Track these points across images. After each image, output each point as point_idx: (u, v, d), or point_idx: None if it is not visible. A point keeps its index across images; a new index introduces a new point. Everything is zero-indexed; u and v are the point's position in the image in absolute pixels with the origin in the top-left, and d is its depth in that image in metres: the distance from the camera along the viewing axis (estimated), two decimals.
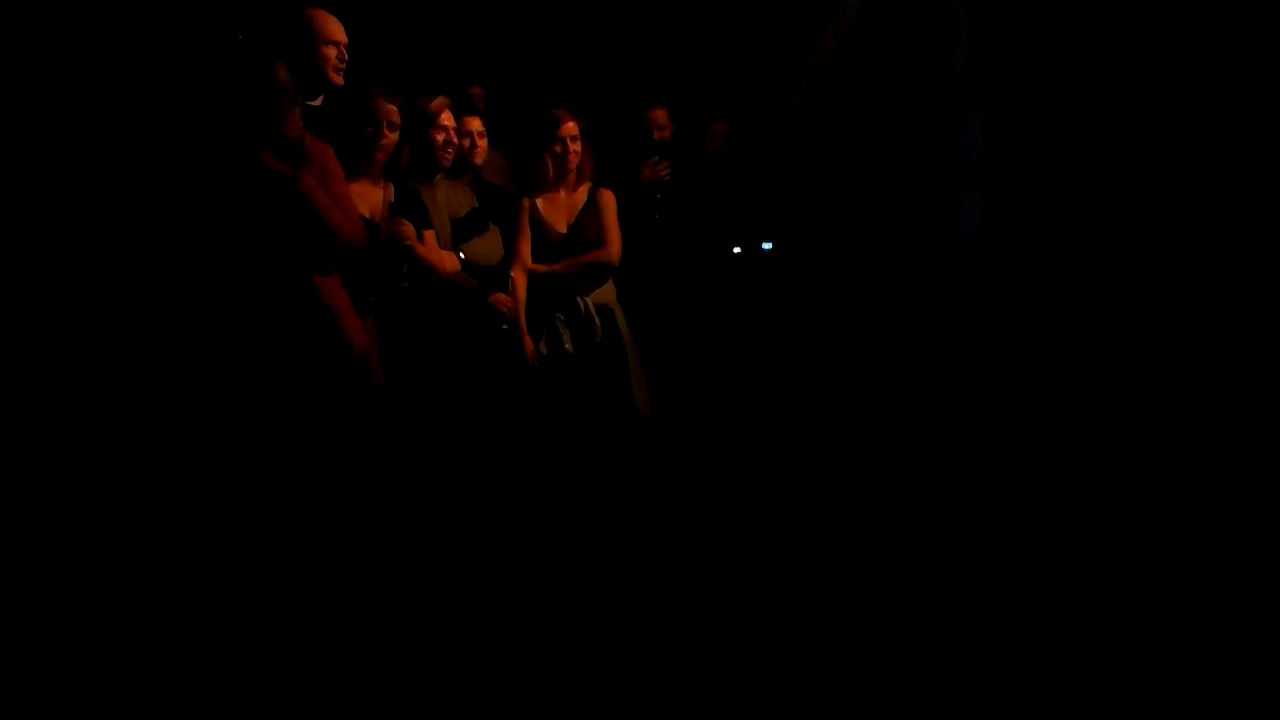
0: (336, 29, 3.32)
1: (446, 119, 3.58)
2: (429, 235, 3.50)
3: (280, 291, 3.00)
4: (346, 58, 3.32)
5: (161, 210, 2.93)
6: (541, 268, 3.93)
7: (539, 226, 3.96)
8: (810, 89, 3.24)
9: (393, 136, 3.33)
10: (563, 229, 3.97)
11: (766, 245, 4.34)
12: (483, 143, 3.83)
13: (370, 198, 3.33)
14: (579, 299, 3.94)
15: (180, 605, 2.76)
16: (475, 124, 3.80)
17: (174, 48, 3.11)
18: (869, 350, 3.18)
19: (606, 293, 4.02)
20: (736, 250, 4.39)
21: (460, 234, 3.67)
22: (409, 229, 3.33)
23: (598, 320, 3.95)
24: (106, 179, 2.92)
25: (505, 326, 3.78)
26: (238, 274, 2.96)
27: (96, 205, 2.91)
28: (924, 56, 3.04)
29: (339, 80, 3.33)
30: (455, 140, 3.62)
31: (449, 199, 3.69)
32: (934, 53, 3.03)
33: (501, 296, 3.76)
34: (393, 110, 3.31)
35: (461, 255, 3.64)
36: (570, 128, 3.94)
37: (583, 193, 4.03)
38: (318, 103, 3.32)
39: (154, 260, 2.92)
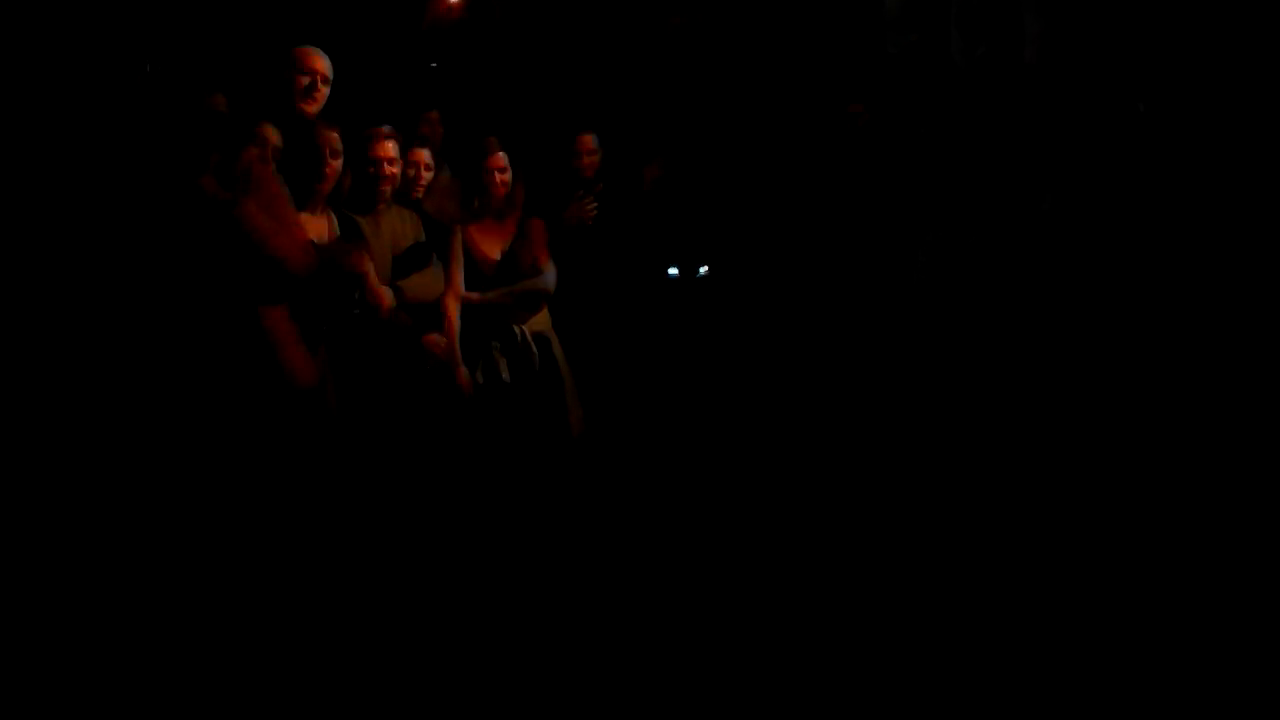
0: (312, 60, 3.40)
1: (383, 150, 3.54)
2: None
3: (222, 320, 2.95)
4: (320, 89, 3.35)
5: (107, 232, 2.87)
6: (475, 296, 3.91)
7: (472, 255, 3.95)
8: None
9: (335, 164, 3.30)
10: (496, 257, 3.97)
11: (703, 269, 4.42)
12: (428, 174, 3.83)
13: (316, 228, 3.28)
14: (515, 327, 3.95)
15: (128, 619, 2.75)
16: (423, 156, 3.80)
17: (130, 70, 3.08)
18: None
19: (542, 320, 4.04)
20: (672, 271, 4.45)
21: (400, 268, 3.64)
22: (360, 257, 3.29)
23: (534, 348, 3.96)
24: (53, 195, 2.85)
25: (431, 365, 3.74)
26: (181, 301, 2.90)
27: (40, 223, 2.85)
28: None
29: (309, 109, 3.40)
30: (391, 172, 3.58)
31: (393, 230, 3.66)
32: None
33: (434, 338, 3.73)
34: (333, 138, 3.28)
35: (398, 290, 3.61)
36: (498, 159, 3.95)
37: (514, 221, 4.04)
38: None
39: (98, 281, 2.86)
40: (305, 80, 3.35)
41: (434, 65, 5.04)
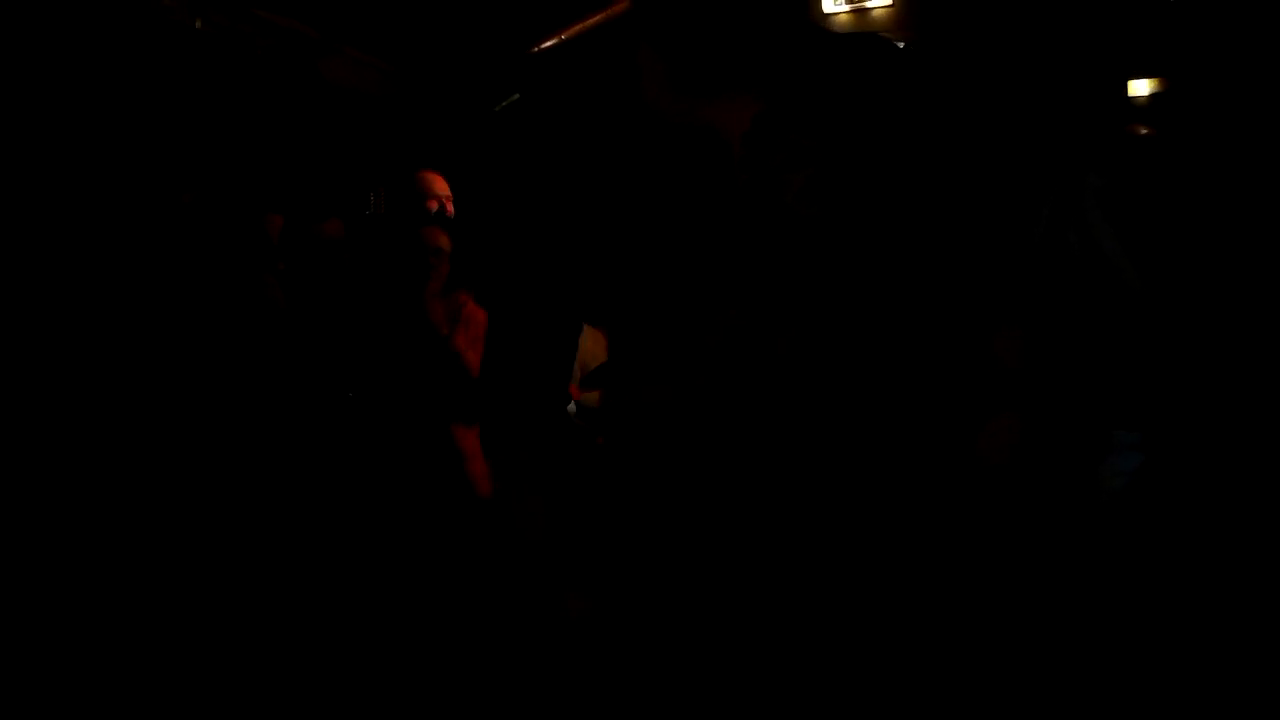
0: (435, 185, 3.62)
1: None
2: None
3: (417, 435, 3.22)
4: (450, 210, 3.62)
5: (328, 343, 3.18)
6: None
7: None
8: None
9: None
10: None
11: None
12: None
13: None
14: None
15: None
16: None
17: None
18: None
19: None
20: None
21: (589, 382, 3.89)
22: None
23: None
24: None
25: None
26: (386, 413, 3.19)
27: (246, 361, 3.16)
28: None
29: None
30: None
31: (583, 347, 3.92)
32: None
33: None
34: None
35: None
36: None
37: None
38: None
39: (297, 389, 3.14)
40: (434, 204, 3.62)
41: None
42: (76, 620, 2.79)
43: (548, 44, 4.50)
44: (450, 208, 3.64)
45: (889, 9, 4.87)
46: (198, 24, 3.92)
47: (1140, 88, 3.49)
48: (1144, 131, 3.17)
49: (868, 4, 4.91)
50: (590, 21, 4.36)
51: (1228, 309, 3.00)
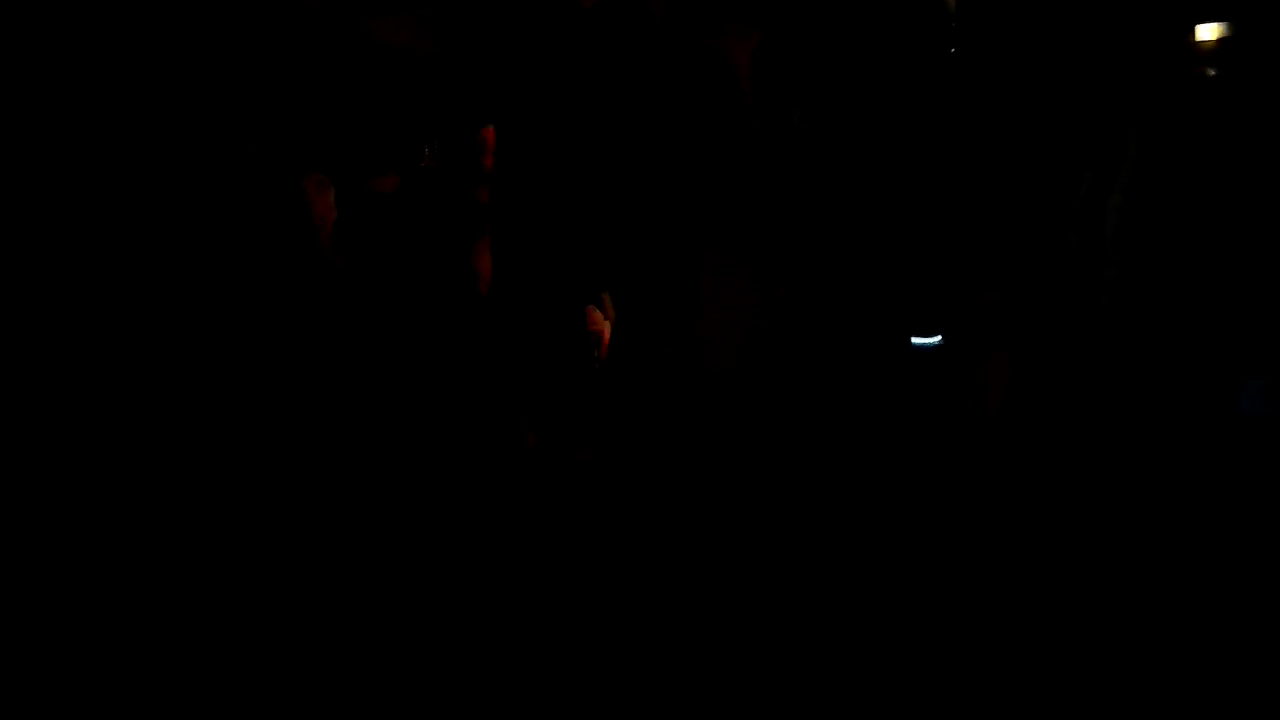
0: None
1: None
2: None
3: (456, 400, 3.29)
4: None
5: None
6: None
7: None
8: None
9: None
10: None
11: None
12: None
13: None
14: None
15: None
16: None
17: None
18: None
19: None
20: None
21: None
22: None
23: None
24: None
25: None
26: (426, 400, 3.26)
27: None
28: None
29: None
30: None
31: None
32: None
33: None
34: None
35: None
36: None
37: None
38: None
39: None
40: (492, 160, 3.62)
41: None
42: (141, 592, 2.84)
43: None
44: None
45: None
46: None
47: (1207, 33, 3.36)
48: (1211, 73, 3.06)
49: None
50: None
51: None
